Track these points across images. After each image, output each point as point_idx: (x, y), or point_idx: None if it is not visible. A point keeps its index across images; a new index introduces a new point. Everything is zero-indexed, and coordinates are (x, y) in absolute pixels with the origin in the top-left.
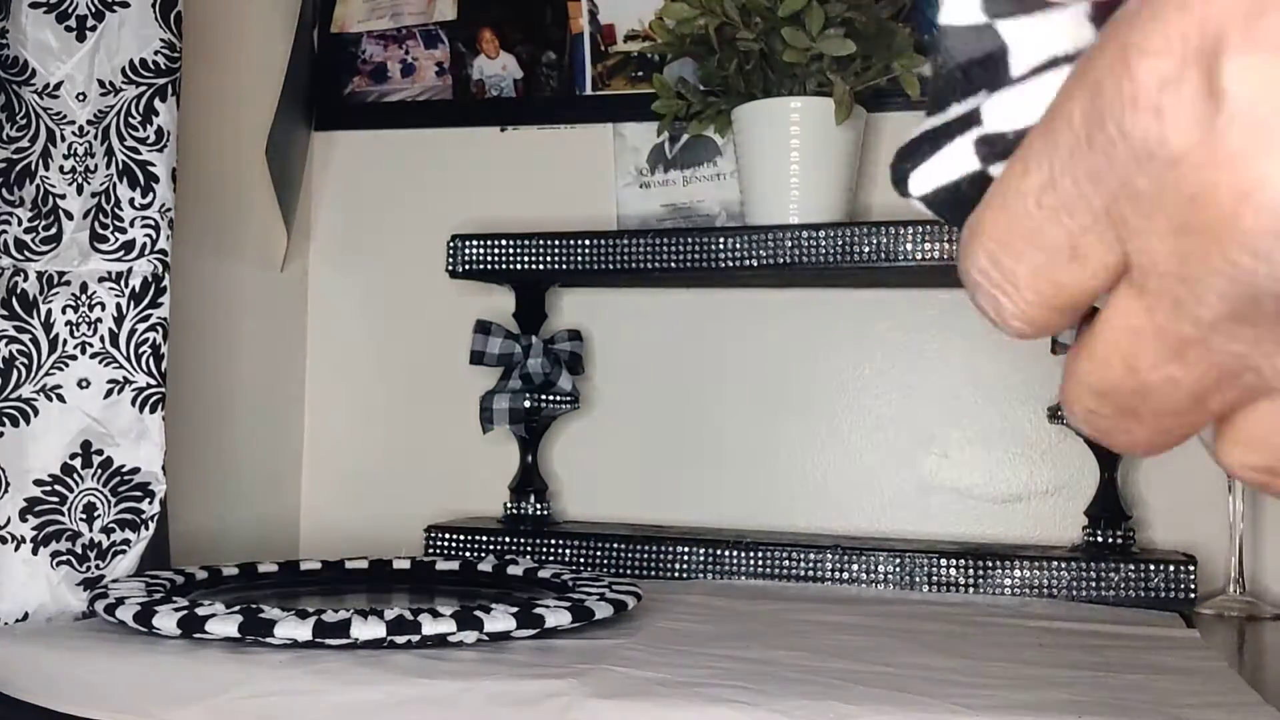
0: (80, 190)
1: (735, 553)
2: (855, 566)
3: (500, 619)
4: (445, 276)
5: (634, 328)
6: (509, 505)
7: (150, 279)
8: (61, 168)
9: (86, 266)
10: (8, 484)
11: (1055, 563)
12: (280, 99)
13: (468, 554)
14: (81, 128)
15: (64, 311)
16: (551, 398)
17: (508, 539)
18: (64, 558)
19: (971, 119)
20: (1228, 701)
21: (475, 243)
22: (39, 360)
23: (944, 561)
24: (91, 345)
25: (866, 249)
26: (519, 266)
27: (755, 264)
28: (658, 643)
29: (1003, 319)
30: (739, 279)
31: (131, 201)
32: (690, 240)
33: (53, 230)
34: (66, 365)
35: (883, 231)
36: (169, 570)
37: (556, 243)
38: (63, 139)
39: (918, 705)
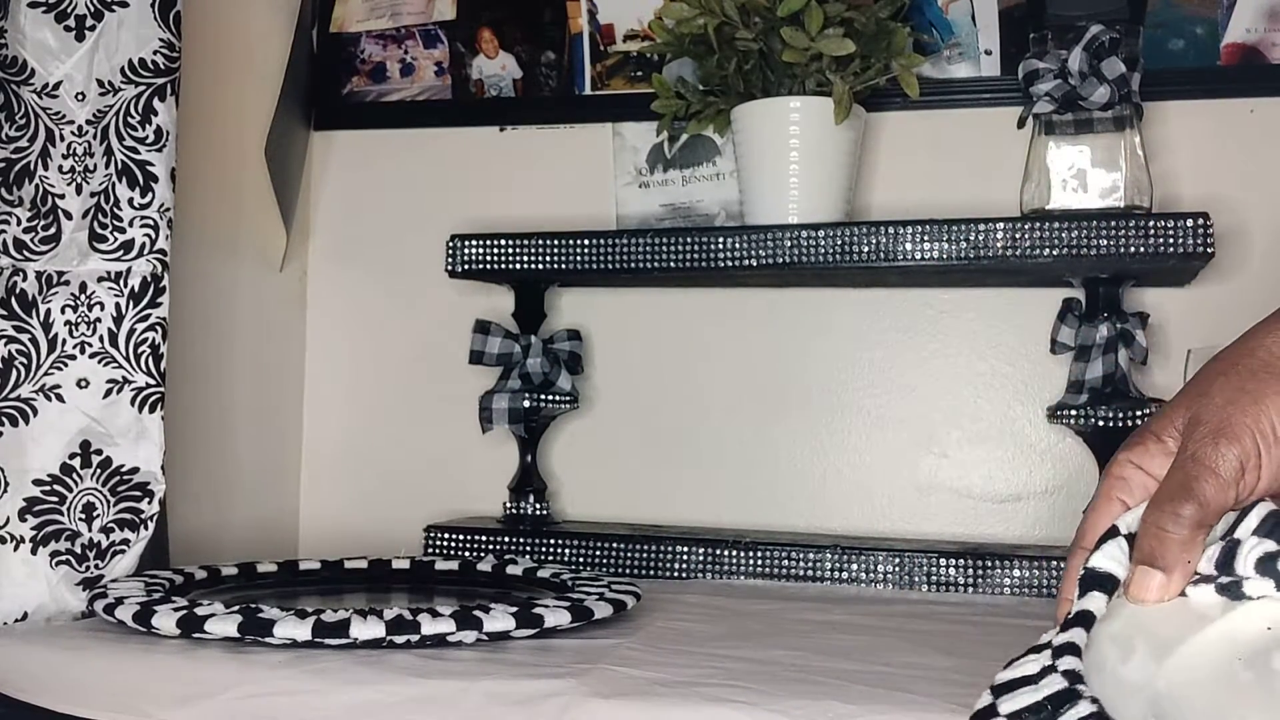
0: (79, 190)
1: (734, 552)
2: (854, 566)
3: (499, 619)
4: (444, 276)
5: (633, 327)
6: (508, 505)
7: (149, 279)
8: (60, 167)
9: (85, 266)
10: (7, 484)
11: (1054, 562)
12: (280, 99)
13: (467, 554)
14: (80, 127)
15: (63, 311)
16: (551, 397)
17: (507, 539)
18: (63, 557)
19: None
20: None
21: (474, 242)
22: (38, 360)
23: (943, 561)
24: (91, 345)
25: (866, 249)
26: (518, 266)
27: (754, 264)
28: (657, 642)
29: None
30: (738, 279)
31: (130, 201)
32: (689, 240)
33: (52, 230)
34: (65, 365)
35: (882, 231)
36: (168, 570)
37: (556, 242)
38: (62, 139)
39: (917, 705)
